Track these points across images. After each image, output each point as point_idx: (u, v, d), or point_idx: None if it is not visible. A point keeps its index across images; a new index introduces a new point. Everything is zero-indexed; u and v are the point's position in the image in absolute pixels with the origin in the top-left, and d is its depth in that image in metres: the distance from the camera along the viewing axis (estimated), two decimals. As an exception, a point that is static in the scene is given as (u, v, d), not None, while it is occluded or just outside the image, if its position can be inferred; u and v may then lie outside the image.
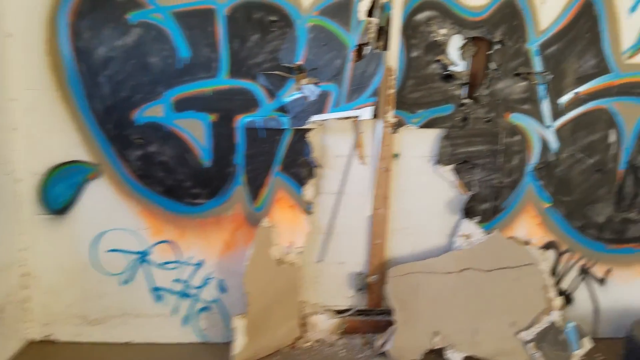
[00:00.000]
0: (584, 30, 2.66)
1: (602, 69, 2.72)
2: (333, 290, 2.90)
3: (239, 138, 2.63)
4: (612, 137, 2.79)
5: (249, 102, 2.59)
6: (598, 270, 2.96)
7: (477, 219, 2.84)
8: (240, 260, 2.65)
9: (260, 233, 2.64)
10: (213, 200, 2.69)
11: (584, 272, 2.95)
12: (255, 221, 2.70)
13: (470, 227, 2.84)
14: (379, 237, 2.82)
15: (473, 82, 2.73)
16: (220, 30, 2.50)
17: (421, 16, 2.61)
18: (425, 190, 2.83)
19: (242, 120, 2.60)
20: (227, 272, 2.76)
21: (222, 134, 2.61)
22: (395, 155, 2.78)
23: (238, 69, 2.55)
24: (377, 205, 2.78)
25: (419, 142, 2.78)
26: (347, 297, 2.92)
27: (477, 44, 2.69)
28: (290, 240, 2.75)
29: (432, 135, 2.77)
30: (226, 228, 2.72)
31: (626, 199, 2.87)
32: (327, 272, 2.87)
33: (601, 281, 2.96)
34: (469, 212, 2.84)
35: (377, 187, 2.76)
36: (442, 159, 2.78)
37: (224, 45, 2.52)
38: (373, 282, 2.85)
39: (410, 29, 2.62)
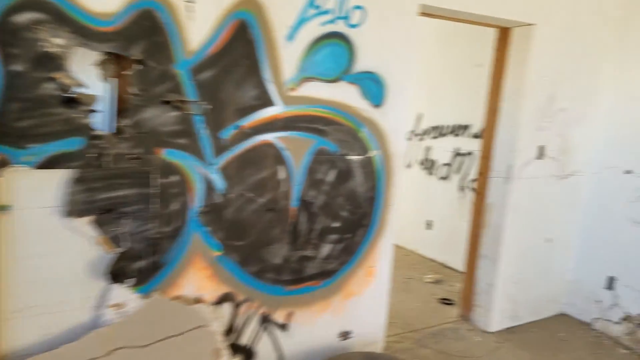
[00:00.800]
0: (240, 56, 2.38)
1: (265, 100, 2.49)
2: None
3: None
4: (282, 173, 2.61)
5: None
6: (279, 316, 2.74)
7: (131, 281, 2.25)
8: None
9: None
10: None
11: (265, 320, 2.69)
12: None
13: (123, 294, 2.23)
14: (-26, 331, 1.93)
15: (118, 109, 2.15)
16: None
17: (23, 18, 1.88)
18: (56, 252, 2.09)
19: None
20: None
21: None
22: (2, 208, 1.96)
23: None
24: (-31, 284, 1.90)
25: (40, 189, 2.03)
26: None
27: (118, 62, 2.13)
28: None
29: (58, 179, 2.06)
30: None
31: (301, 237, 2.74)
32: None
33: (283, 327, 2.76)
34: (118, 274, 2.22)
35: (-31, 257, 1.88)
36: (74, 209, 2.09)
37: None
38: (-32, 399, 1.93)
39: (8, 34, 1.86)
